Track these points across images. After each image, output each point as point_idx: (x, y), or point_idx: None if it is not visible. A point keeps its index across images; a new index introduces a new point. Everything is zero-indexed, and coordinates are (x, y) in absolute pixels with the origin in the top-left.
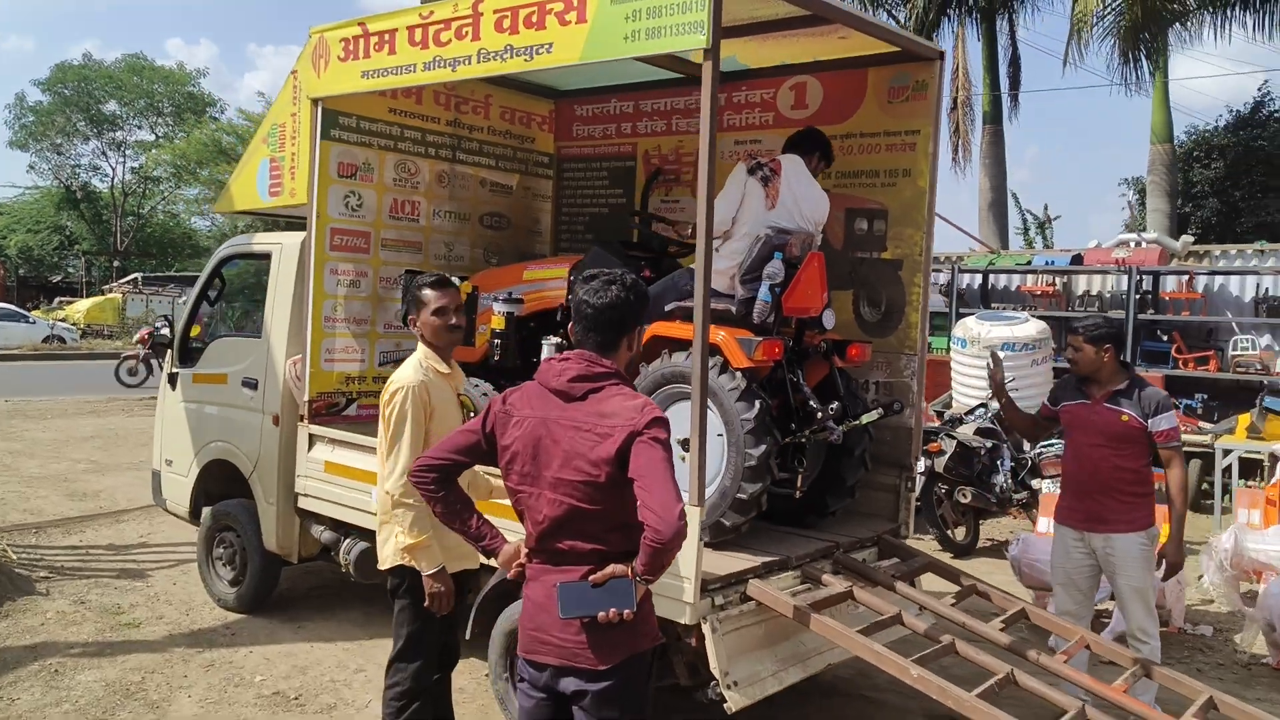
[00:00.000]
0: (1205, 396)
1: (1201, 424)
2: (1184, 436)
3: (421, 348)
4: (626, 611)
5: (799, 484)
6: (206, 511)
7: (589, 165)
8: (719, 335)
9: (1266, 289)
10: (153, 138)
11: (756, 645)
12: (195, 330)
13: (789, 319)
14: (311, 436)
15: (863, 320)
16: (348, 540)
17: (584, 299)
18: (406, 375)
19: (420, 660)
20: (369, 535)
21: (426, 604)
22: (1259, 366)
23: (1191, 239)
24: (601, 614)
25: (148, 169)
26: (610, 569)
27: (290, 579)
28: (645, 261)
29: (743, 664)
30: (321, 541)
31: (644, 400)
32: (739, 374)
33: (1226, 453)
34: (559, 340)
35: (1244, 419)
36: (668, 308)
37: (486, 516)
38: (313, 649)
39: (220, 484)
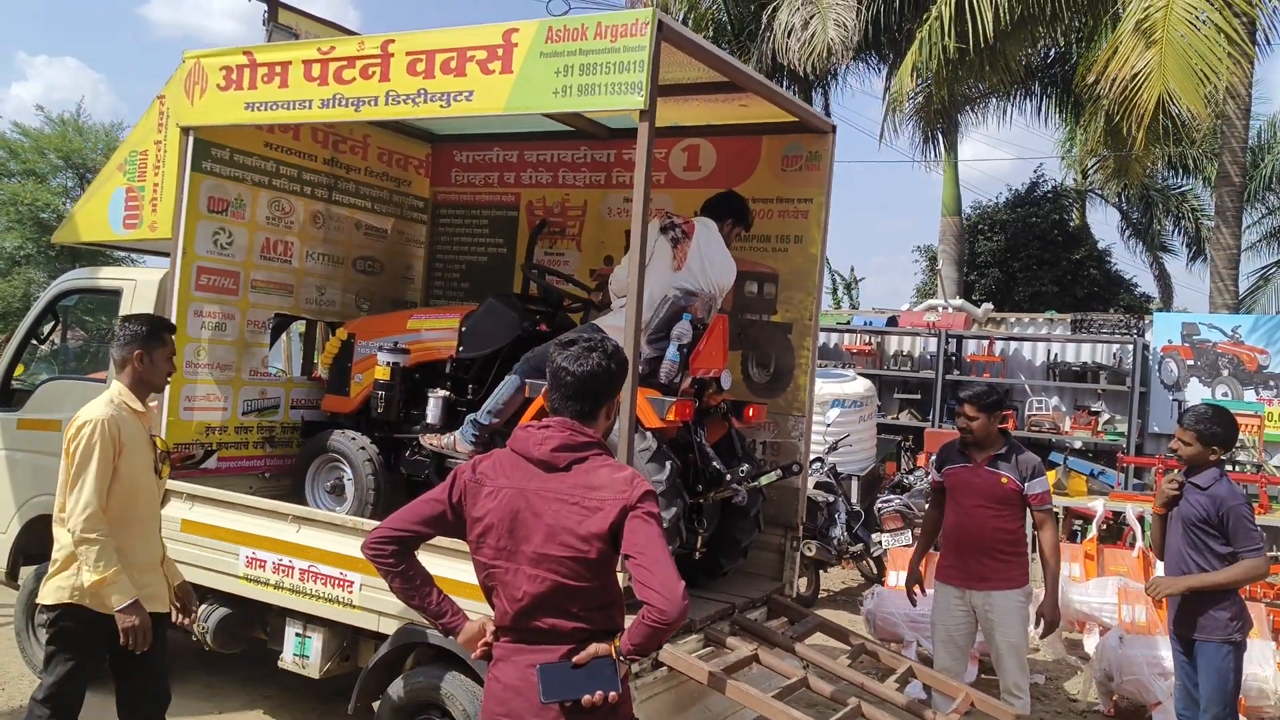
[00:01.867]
0: None
1: None
2: None
3: (118, 385)
4: (612, 694)
5: (698, 545)
6: (28, 573)
7: (468, 213)
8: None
9: (1055, 354)
10: None
11: (670, 712)
12: (19, 370)
13: (691, 379)
14: (166, 492)
15: (751, 381)
16: (204, 606)
17: (563, 365)
18: (96, 410)
19: (58, 715)
20: (231, 601)
21: (122, 641)
22: (1050, 425)
23: (990, 306)
24: (586, 697)
25: None
26: (593, 649)
27: None
28: (540, 315)
29: None
30: None
31: (631, 472)
32: (649, 434)
33: None
34: (446, 394)
35: (1050, 476)
36: None
37: (445, 592)
38: None
39: (44, 543)
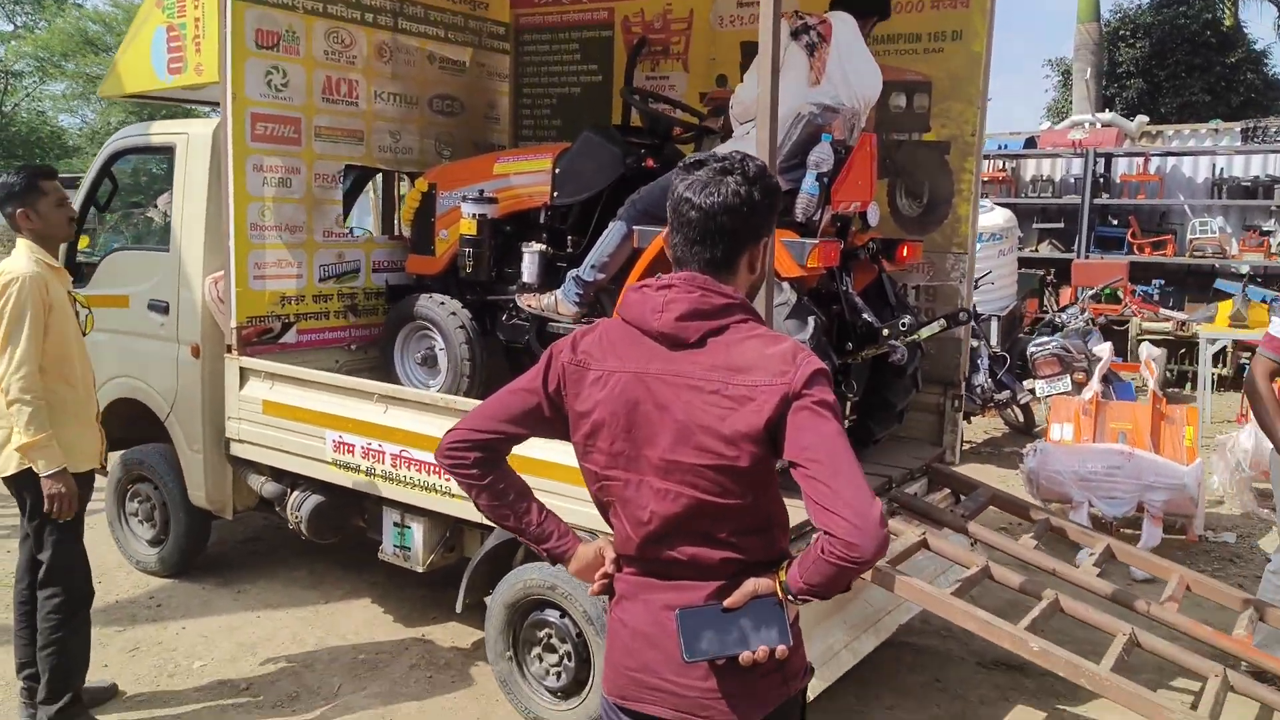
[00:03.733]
0: (1162, 282)
1: (1163, 310)
2: (1147, 324)
3: (25, 243)
4: (780, 648)
5: (846, 411)
6: (114, 459)
7: (555, 37)
8: None
9: (1221, 169)
10: (11, 28)
11: (824, 614)
12: (84, 242)
13: (832, 215)
14: (244, 371)
15: (900, 214)
16: (296, 493)
17: (686, 196)
18: (20, 265)
19: (76, 572)
20: (324, 488)
21: (46, 508)
22: (1217, 250)
23: (1146, 119)
24: (746, 654)
25: (8, 63)
26: (750, 586)
27: (220, 533)
28: (646, 149)
29: (814, 638)
30: (262, 495)
31: (792, 344)
32: (786, 286)
33: (1212, 342)
34: (543, 248)
35: (1225, 306)
36: None
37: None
38: (259, 620)
39: (126, 426)
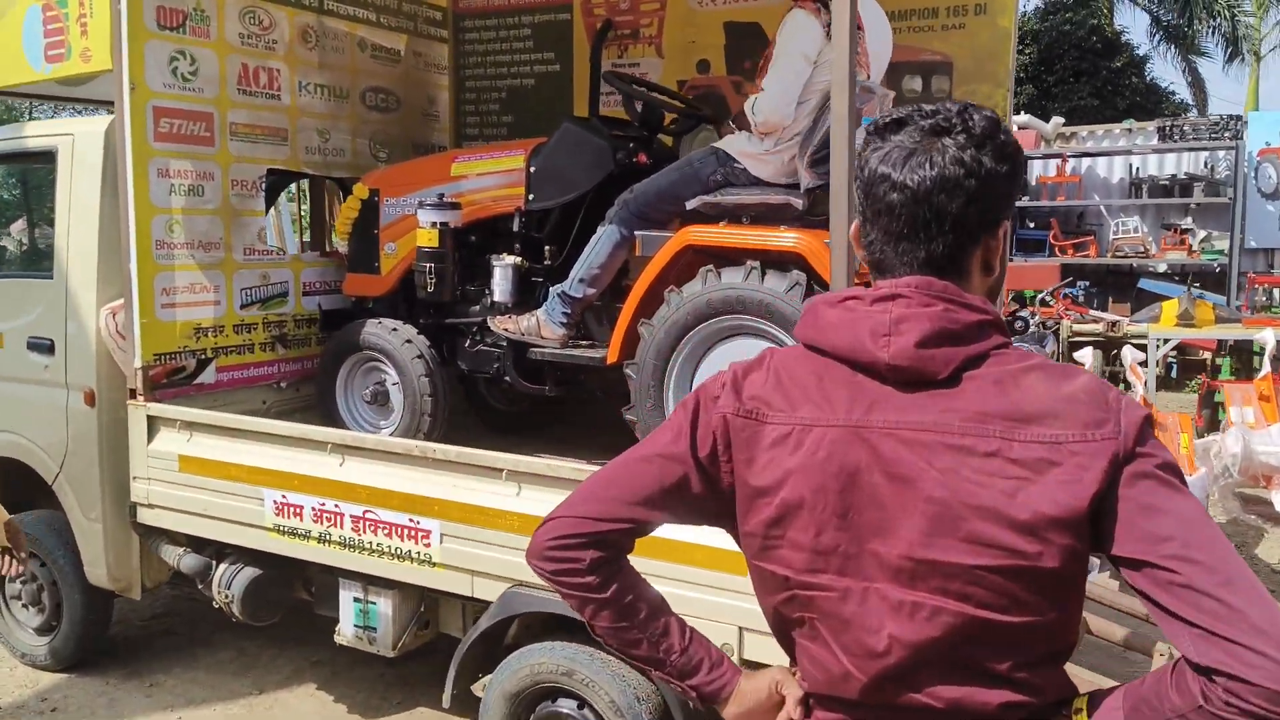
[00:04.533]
0: (1086, 284)
1: (1091, 311)
2: (1078, 326)
3: None
4: None
5: None
6: None
7: (501, 23)
8: (791, 239)
9: (1137, 169)
10: None
11: None
12: None
13: None
14: (153, 420)
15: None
16: (224, 566)
17: (883, 172)
18: None
19: None
20: (261, 558)
21: None
22: (1138, 249)
23: (1061, 120)
24: None
25: None
26: None
27: (121, 609)
28: (635, 143)
29: None
30: (180, 570)
31: (1093, 380)
32: None
33: (1164, 341)
34: (517, 260)
35: (1169, 306)
36: (691, 205)
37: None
38: None
39: (3, 490)
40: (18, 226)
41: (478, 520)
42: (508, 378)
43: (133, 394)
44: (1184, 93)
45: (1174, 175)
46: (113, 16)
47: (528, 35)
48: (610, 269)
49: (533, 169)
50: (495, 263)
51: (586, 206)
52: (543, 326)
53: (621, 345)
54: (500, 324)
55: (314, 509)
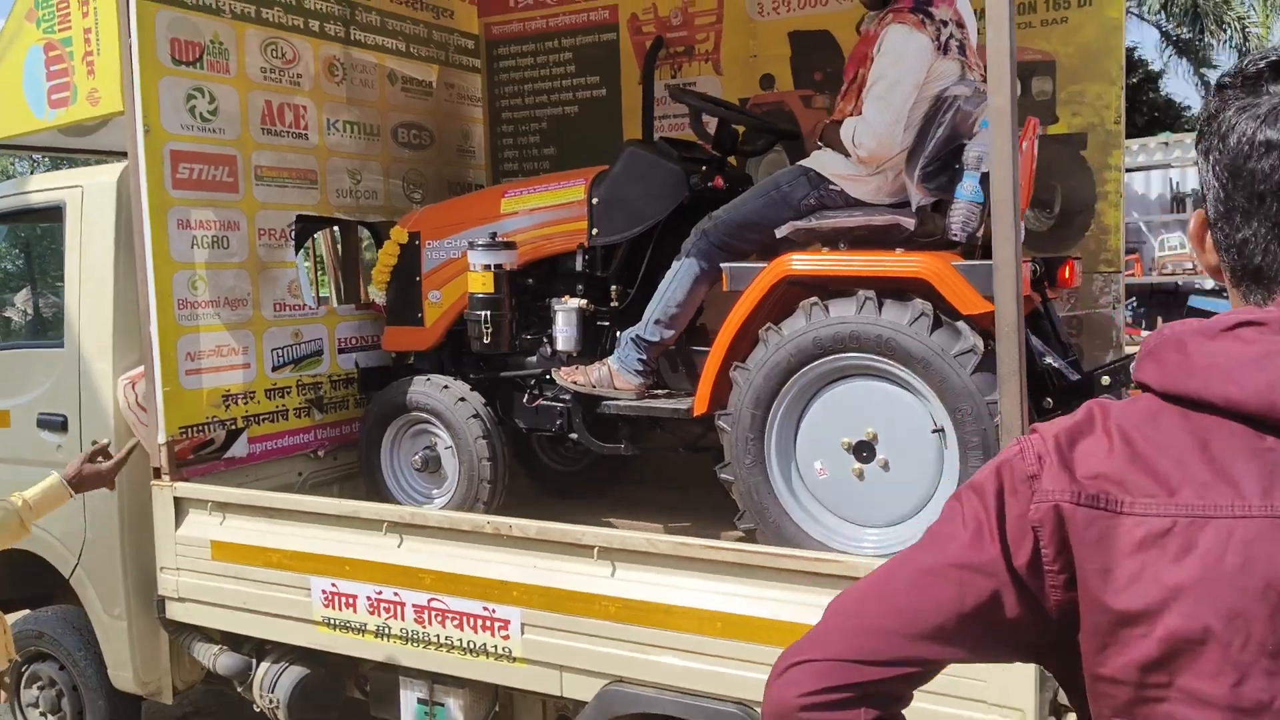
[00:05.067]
0: (1134, 303)
1: (1145, 333)
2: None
3: None
4: None
5: None
6: None
7: (539, 48)
8: (914, 263)
9: (1176, 182)
10: None
11: None
12: None
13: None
14: (181, 502)
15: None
16: (267, 665)
17: (1267, 138)
18: None
19: None
20: (308, 656)
21: None
22: (1190, 266)
23: None
24: None
25: None
26: None
27: (150, 714)
28: (708, 167)
29: None
30: (215, 670)
31: None
32: (965, 328)
33: None
34: (581, 303)
35: None
36: (782, 232)
37: None
38: None
39: (16, 586)
40: (22, 296)
41: (566, 606)
42: (574, 435)
43: (157, 473)
44: (1199, 106)
45: (1194, 189)
46: (122, 52)
47: (568, 59)
48: (690, 307)
49: (595, 200)
50: (557, 307)
51: (656, 240)
52: (616, 376)
53: (711, 394)
54: (567, 376)
55: (370, 598)
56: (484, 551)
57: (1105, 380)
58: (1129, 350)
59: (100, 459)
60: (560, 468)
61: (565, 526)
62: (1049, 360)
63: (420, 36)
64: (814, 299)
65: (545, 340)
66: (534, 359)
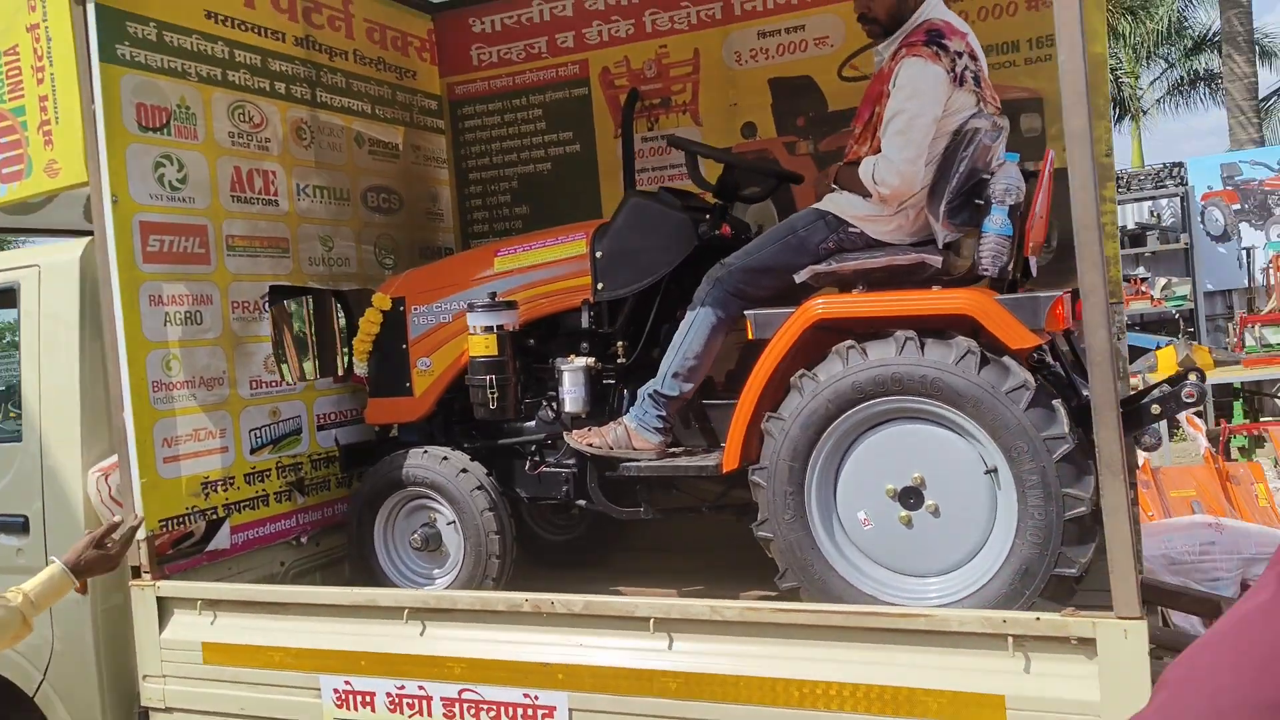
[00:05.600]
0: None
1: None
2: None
3: None
4: None
5: None
6: None
7: (506, 105)
8: (959, 299)
9: None
10: None
11: None
12: None
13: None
14: (164, 602)
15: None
16: None
17: None
18: None
19: None
20: None
21: None
22: None
23: None
24: None
25: None
26: None
27: None
28: (714, 214)
29: None
30: None
31: None
32: (1013, 364)
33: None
34: (589, 362)
35: (1166, 354)
36: (801, 277)
37: None
38: None
39: None
40: None
41: (619, 687)
42: (582, 502)
43: (136, 572)
44: None
45: (1124, 226)
46: (85, 120)
47: (538, 116)
48: (708, 358)
49: (599, 254)
50: (564, 367)
51: (661, 293)
52: (634, 436)
53: (741, 448)
54: (581, 439)
55: (390, 694)
56: (521, 634)
57: (1155, 410)
58: (1151, 378)
59: (107, 543)
60: (552, 538)
61: (615, 599)
62: (1085, 391)
63: (385, 98)
64: (849, 342)
65: (545, 403)
66: (533, 424)
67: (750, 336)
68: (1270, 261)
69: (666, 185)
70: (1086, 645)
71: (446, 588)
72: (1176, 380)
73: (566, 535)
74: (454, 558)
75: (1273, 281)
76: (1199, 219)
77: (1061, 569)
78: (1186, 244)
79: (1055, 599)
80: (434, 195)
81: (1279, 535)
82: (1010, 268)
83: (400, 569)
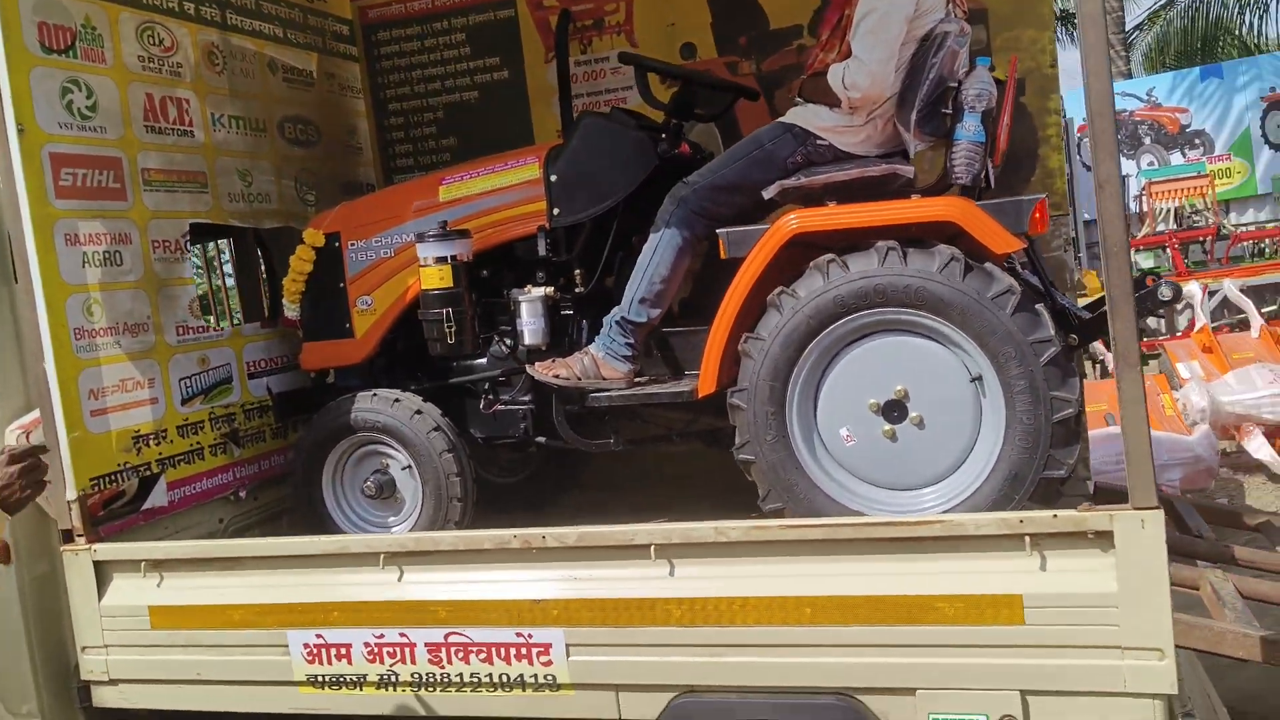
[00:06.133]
0: None
1: None
2: None
3: None
4: None
5: None
6: None
7: (426, 30)
8: (939, 206)
9: None
10: None
11: None
12: None
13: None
14: (103, 566)
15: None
16: None
17: None
18: None
19: None
20: None
21: None
22: None
23: None
24: None
25: None
26: None
27: None
28: (670, 133)
29: None
30: None
31: None
32: (993, 268)
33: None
34: (547, 291)
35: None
36: (770, 192)
37: None
38: None
39: None
40: None
41: (621, 618)
42: (542, 439)
43: (67, 536)
44: None
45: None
46: None
47: (462, 41)
48: (676, 281)
49: (554, 178)
50: (521, 298)
51: (618, 217)
52: (602, 365)
53: (718, 371)
54: (546, 371)
55: (369, 644)
56: (510, 571)
57: (1165, 293)
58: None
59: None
60: (499, 480)
61: (611, 528)
62: (1058, 298)
63: (295, 21)
64: (829, 256)
65: (498, 337)
66: (485, 360)
67: (723, 255)
68: (1143, 189)
69: (617, 106)
70: (1103, 538)
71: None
72: (1138, 285)
73: (514, 477)
74: (410, 503)
75: (1145, 209)
76: (1075, 151)
77: (1050, 471)
78: (1067, 174)
79: (1043, 502)
80: (352, 128)
81: (1186, 440)
82: (982, 175)
83: (352, 518)
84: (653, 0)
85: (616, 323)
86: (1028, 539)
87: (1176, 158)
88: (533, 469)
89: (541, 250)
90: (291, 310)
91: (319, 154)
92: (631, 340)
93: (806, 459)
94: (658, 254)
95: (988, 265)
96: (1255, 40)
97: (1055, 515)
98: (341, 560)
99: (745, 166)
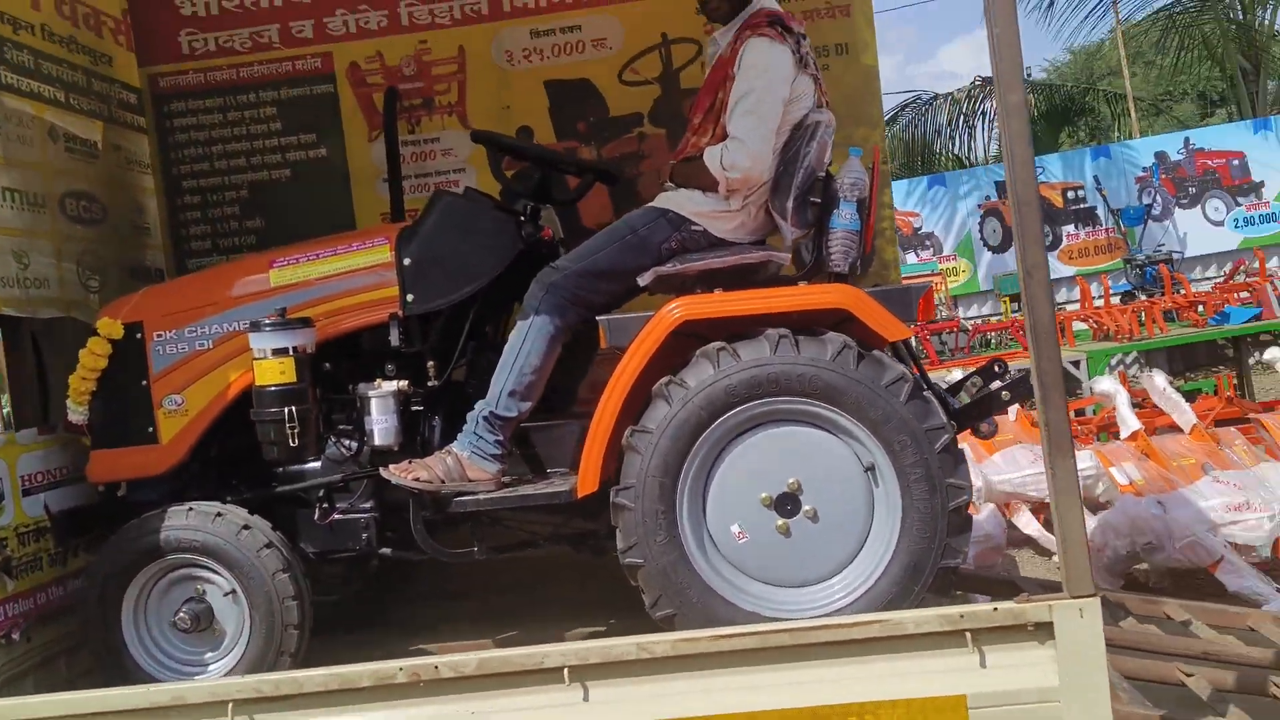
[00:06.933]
0: None
1: None
2: None
3: None
4: None
5: None
6: None
7: (229, 101)
8: (836, 294)
9: None
10: None
11: None
12: None
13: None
14: None
15: (802, 262)
16: None
17: None
18: None
19: None
20: None
21: None
22: None
23: None
24: None
25: None
26: None
27: None
28: (530, 215)
29: None
30: None
31: None
32: (883, 356)
33: None
34: (399, 385)
35: None
36: (645, 279)
37: None
38: None
39: None
40: None
41: None
42: (387, 550)
43: None
44: None
45: None
46: None
47: (271, 115)
48: (545, 373)
49: (407, 261)
50: (370, 393)
51: (477, 304)
52: (468, 466)
53: (600, 468)
54: (404, 474)
55: None
56: (396, 712)
57: (1006, 396)
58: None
59: None
60: (319, 599)
61: (516, 651)
62: (934, 386)
63: (79, 85)
64: (719, 344)
65: (336, 438)
66: (319, 465)
67: (604, 344)
68: None
69: (469, 186)
70: (1042, 630)
71: (229, 671)
72: (986, 372)
73: (333, 596)
74: (233, 635)
75: None
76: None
77: (947, 560)
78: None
79: (940, 592)
80: (140, 206)
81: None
82: (858, 263)
83: (160, 657)
84: (487, 81)
85: (484, 418)
86: (969, 634)
87: (911, 258)
88: (356, 586)
89: (394, 340)
90: (77, 413)
91: (104, 234)
92: (500, 437)
93: (699, 560)
94: (528, 343)
95: (877, 353)
96: (967, 155)
97: (995, 608)
98: (178, 713)
99: (618, 252)
